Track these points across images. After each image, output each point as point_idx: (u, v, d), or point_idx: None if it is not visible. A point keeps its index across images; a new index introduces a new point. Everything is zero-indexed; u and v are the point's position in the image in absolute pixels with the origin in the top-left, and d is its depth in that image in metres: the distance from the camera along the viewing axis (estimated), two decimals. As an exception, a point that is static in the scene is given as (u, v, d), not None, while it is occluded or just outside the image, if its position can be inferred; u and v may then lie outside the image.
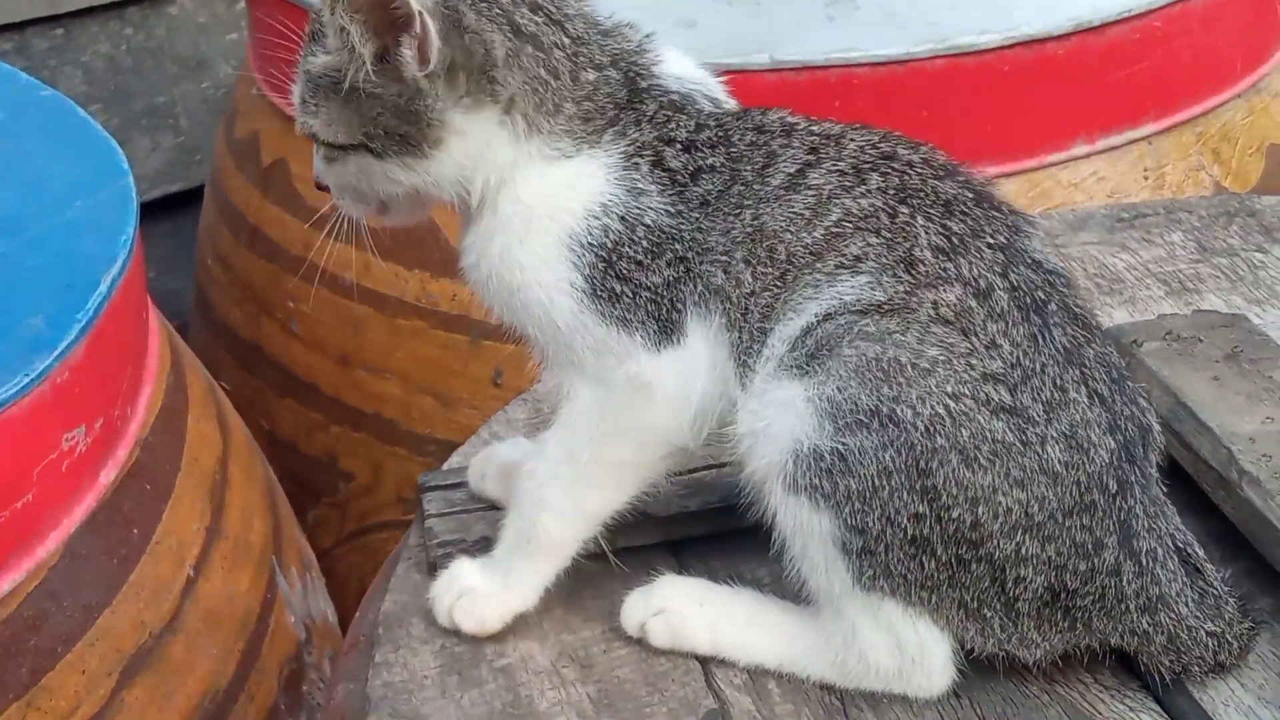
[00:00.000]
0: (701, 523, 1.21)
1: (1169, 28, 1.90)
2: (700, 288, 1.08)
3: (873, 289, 1.05)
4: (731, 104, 1.16)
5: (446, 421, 1.92)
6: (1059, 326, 1.06)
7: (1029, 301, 1.06)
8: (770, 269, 1.07)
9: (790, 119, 1.13)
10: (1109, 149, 1.93)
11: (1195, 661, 1.08)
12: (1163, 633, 1.07)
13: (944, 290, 1.05)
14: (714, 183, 1.09)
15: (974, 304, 1.04)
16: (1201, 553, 1.12)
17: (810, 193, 1.08)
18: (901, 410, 1.02)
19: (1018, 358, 1.04)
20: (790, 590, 1.10)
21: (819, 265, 1.06)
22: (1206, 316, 1.36)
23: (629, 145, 1.10)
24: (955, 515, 1.03)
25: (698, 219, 1.09)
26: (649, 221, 1.08)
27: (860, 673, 1.09)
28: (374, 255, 1.85)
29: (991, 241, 1.07)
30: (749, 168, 1.09)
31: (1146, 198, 1.90)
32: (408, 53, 1.06)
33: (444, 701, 1.09)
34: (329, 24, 1.07)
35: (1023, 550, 1.04)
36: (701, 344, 1.09)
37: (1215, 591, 1.11)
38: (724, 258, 1.08)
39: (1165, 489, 1.11)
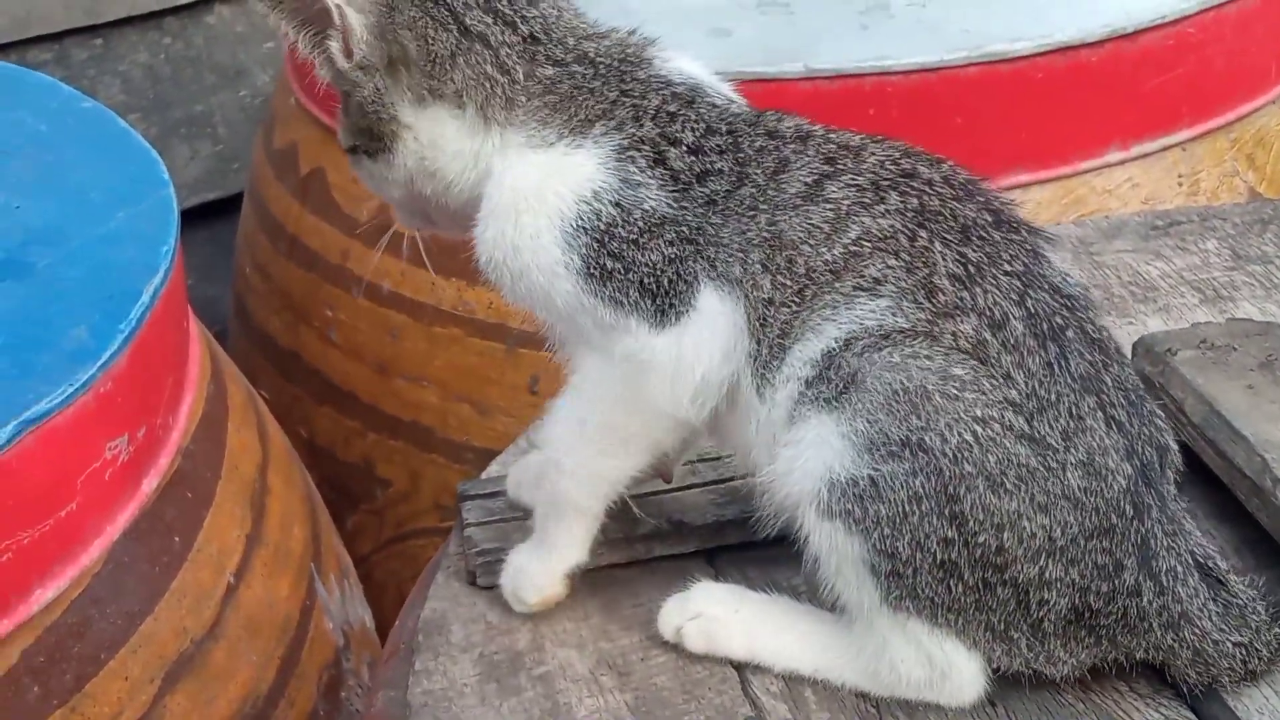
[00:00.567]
0: (737, 531, 1.22)
1: (1203, 34, 1.91)
2: (717, 272, 1.09)
3: (894, 314, 1.05)
4: (742, 102, 1.17)
5: (483, 429, 1.93)
6: (1076, 353, 1.07)
7: (1046, 329, 1.06)
8: (789, 281, 1.08)
9: (807, 126, 1.14)
10: (1143, 155, 1.93)
11: (1224, 673, 1.09)
12: (1187, 648, 1.08)
13: (961, 321, 1.05)
14: (720, 185, 1.10)
15: (989, 336, 1.05)
16: (1224, 564, 1.12)
17: (828, 206, 1.08)
18: (930, 438, 1.03)
19: (1033, 388, 1.05)
20: (825, 599, 1.11)
21: (837, 284, 1.07)
22: (1241, 325, 1.36)
23: (624, 139, 1.11)
24: (981, 540, 1.04)
25: (704, 214, 1.09)
26: (647, 207, 1.09)
27: (893, 682, 1.10)
28: (428, 268, 1.86)
29: (1009, 269, 1.07)
30: (759, 171, 1.10)
31: (1181, 204, 1.90)
32: (334, 45, 1.11)
33: (483, 709, 1.11)
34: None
35: (1046, 574, 1.05)
36: (715, 324, 1.09)
37: (1240, 602, 1.11)
38: (740, 254, 1.09)
39: (1184, 504, 1.12)
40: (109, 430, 1.42)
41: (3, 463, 1.29)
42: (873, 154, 1.11)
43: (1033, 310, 1.06)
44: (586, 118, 1.12)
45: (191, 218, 2.68)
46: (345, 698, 1.67)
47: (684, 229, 1.09)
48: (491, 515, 1.23)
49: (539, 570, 1.17)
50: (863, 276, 1.06)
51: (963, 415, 1.03)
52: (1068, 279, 1.10)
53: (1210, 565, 1.11)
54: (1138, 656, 1.09)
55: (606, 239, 1.09)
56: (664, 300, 1.09)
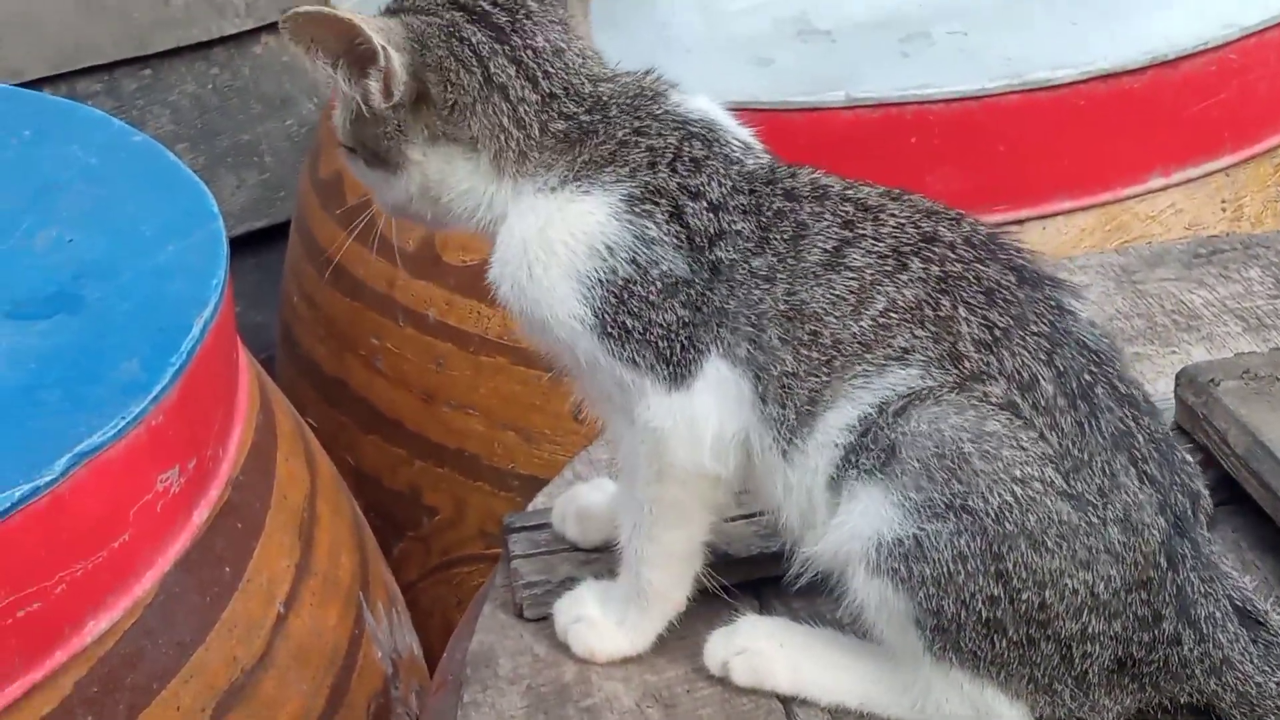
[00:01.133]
0: (782, 563, 1.22)
1: (1245, 59, 1.91)
2: (723, 348, 1.09)
3: (924, 380, 1.06)
4: (758, 147, 1.16)
5: (529, 456, 1.95)
6: (1106, 411, 1.07)
7: (1075, 387, 1.06)
8: (815, 353, 1.07)
9: (823, 181, 1.12)
10: (1186, 181, 1.93)
11: (1270, 713, 1.09)
12: (1231, 691, 1.08)
13: (990, 384, 1.05)
14: (735, 250, 1.09)
15: (1018, 398, 1.05)
16: (1263, 605, 1.12)
17: (851, 276, 1.08)
18: (973, 500, 1.04)
19: (1066, 448, 1.05)
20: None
21: (868, 356, 1.06)
22: (1284, 354, 1.36)
23: (637, 186, 1.10)
24: (1025, 598, 1.04)
25: (709, 280, 1.08)
26: (665, 268, 1.08)
27: (938, 718, 1.11)
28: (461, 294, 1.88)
29: (1036, 329, 1.07)
30: (779, 237, 1.09)
31: (1225, 229, 1.90)
32: (374, 85, 1.12)
33: (531, 741, 1.12)
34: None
35: (1089, 629, 1.05)
36: (723, 389, 1.10)
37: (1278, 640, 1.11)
38: (750, 329, 1.08)
39: (1216, 546, 1.12)
40: (161, 462, 1.43)
41: (56, 496, 1.31)
42: (892, 215, 1.10)
43: (1062, 369, 1.06)
44: (593, 159, 1.11)
45: (239, 246, 2.70)
46: (393, 725, 1.68)
47: (693, 290, 1.09)
48: (538, 547, 1.24)
49: (603, 639, 1.18)
50: (891, 347, 1.06)
51: (1002, 475, 1.04)
52: (1094, 333, 1.10)
53: (1249, 608, 1.11)
54: (1182, 701, 1.09)
55: (625, 296, 1.08)
56: (677, 362, 1.09)
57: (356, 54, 1.11)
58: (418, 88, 1.12)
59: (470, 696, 1.14)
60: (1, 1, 2.90)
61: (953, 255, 1.08)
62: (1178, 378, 1.32)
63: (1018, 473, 1.04)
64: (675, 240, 1.09)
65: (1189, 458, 1.12)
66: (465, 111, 1.12)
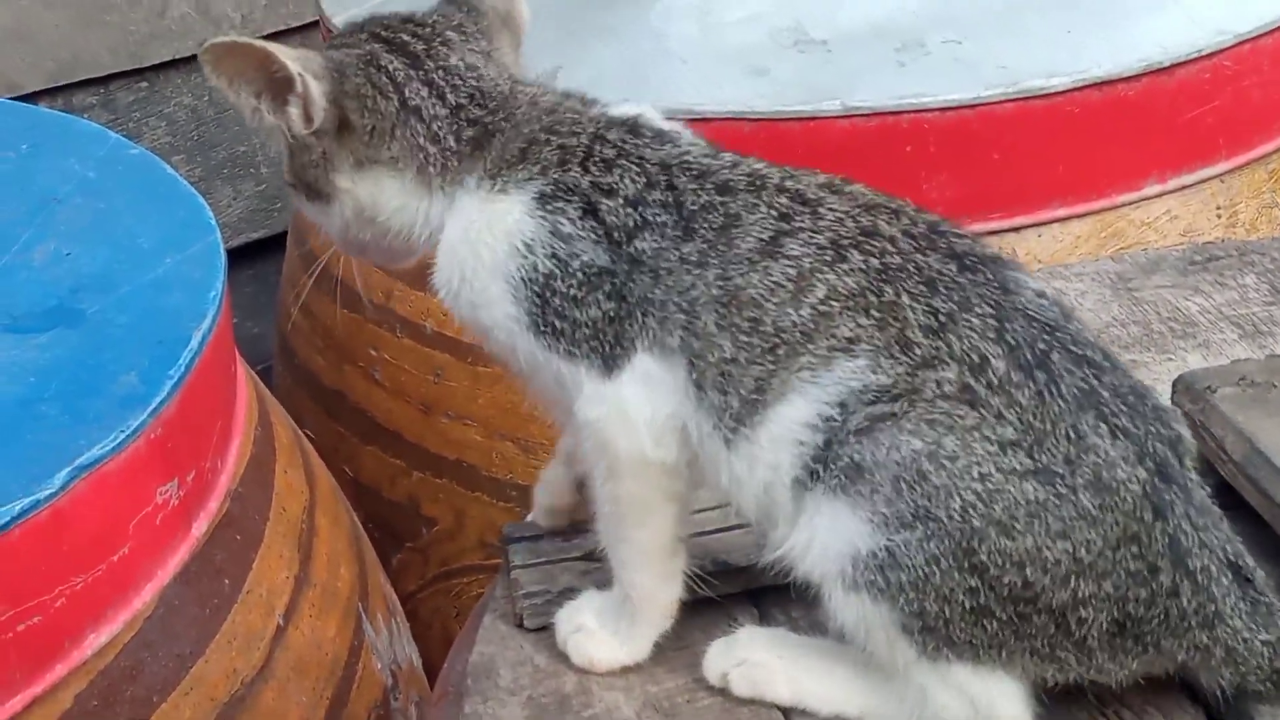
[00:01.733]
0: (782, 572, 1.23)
1: (1239, 66, 1.91)
2: (651, 338, 1.10)
3: (874, 372, 1.06)
4: (700, 145, 1.17)
5: (527, 467, 1.95)
6: (1065, 374, 1.07)
7: (1030, 358, 1.06)
8: (756, 340, 1.08)
9: (762, 172, 1.13)
10: (1181, 188, 1.94)
11: (1253, 671, 1.09)
12: (1220, 645, 1.08)
13: (941, 370, 1.05)
14: (660, 240, 1.10)
15: (971, 380, 1.05)
16: (1251, 562, 1.11)
17: (789, 264, 1.08)
18: (935, 508, 1.04)
19: (1028, 422, 1.05)
20: None
21: (811, 346, 1.07)
22: (1280, 360, 1.36)
23: (548, 184, 1.12)
24: (1006, 580, 1.05)
25: (629, 271, 1.10)
26: (584, 259, 1.10)
27: None
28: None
29: (980, 310, 1.07)
30: (706, 227, 1.10)
31: (1220, 235, 1.91)
32: (294, 111, 1.17)
33: (531, 751, 1.12)
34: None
35: (1080, 593, 1.05)
36: (646, 381, 1.11)
37: (1267, 601, 1.11)
38: (683, 316, 1.09)
39: (1208, 490, 1.11)
40: (160, 475, 1.43)
41: (56, 509, 1.31)
42: (831, 209, 1.11)
43: (1013, 343, 1.06)
44: (503, 156, 1.15)
45: (235, 257, 2.71)
46: (393, 736, 1.68)
47: (615, 281, 1.10)
48: (538, 558, 1.25)
49: (601, 649, 1.19)
50: (835, 337, 1.07)
51: (960, 480, 1.04)
52: (1040, 303, 1.10)
53: (1239, 563, 1.10)
54: (1178, 659, 1.09)
55: (550, 292, 1.10)
56: (607, 353, 1.11)
57: (275, 82, 1.16)
58: (339, 115, 1.17)
59: (471, 707, 1.14)
60: (-2, 15, 2.91)
61: (892, 248, 1.09)
62: (1174, 385, 1.32)
63: (975, 473, 1.04)
64: (593, 236, 1.10)
65: (1163, 403, 1.11)
66: (385, 135, 1.17)
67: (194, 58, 2.87)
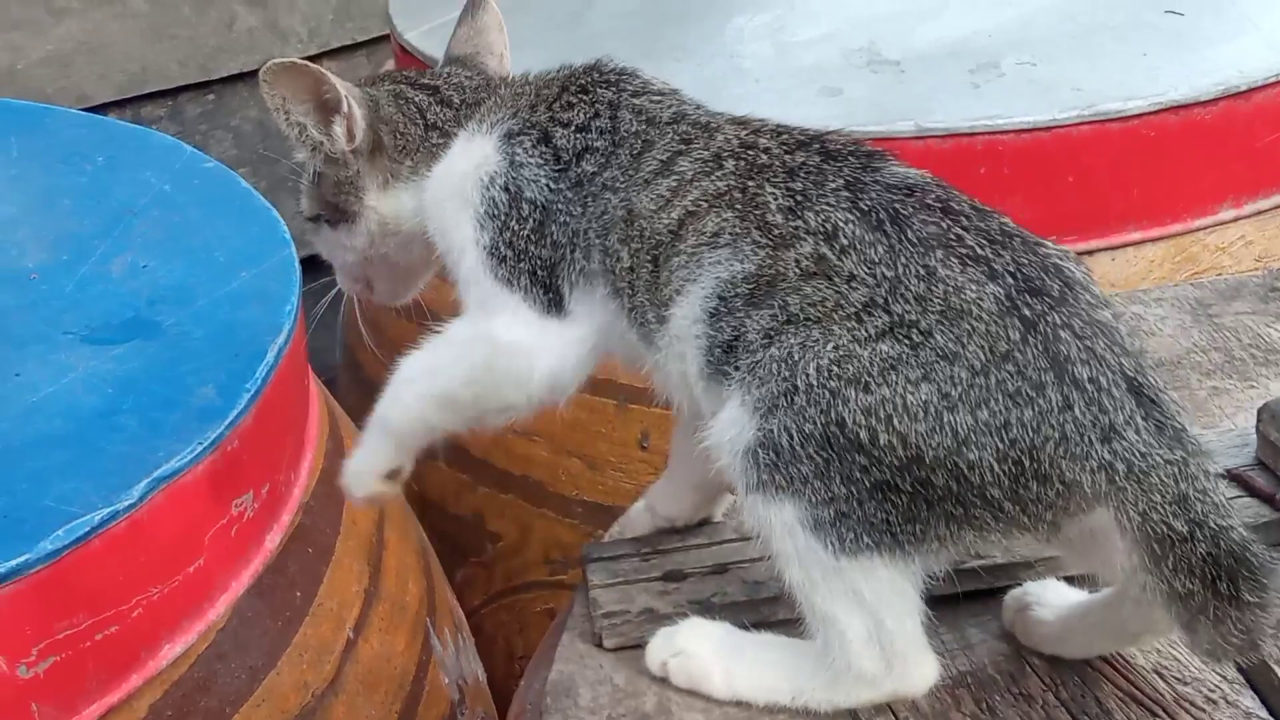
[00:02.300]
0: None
1: (1317, 91, 1.90)
2: (577, 271, 1.20)
3: (740, 261, 1.11)
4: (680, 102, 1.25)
5: (593, 484, 1.95)
6: (919, 223, 1.09)
7: (883, 217, 1.09)
8: (643, 247, 1.16)
9: (685, 111, 1.22)
10: (1257, 213, 1.92)
11: (1157, 490, 1.04)
12: (1122, 461, 1.04)
13: (799, 246, 1.10)
14: (593, 164, 1.20)
15: (826, 250, 1.09)
16: (1159, 382, 1.08)
17: (675, 179, 1.16)
18: (798, 380, 1.06)
19: (879, 275, 1.07)
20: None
21: (682, 245, 1.13)
22: (1364, 388, 1.35)
23: (517, 124, 1.24)
24: (884, 442, 1.05)
25: (570, 198, 1.20)
26: (529, 196, 1.21)
27: (852, 684, 1.11)
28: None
29: (835, 184, 1.12)
30: (626, 153, 1.20)
31: (1295, 261, 1.90)
32: (339, 130, 1.29)
33: (611, 772, 1.11)
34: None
35: (959, 430, 1.04)
36: (585, 318, 1.21)
37: (1175, 424, 1.07)
38: (599, 240, 1.18)
39: (1113, 310, 1.09)
40: (235, 487, 1.44)
41: (134, 520, 1.32)
42: (724, 133, 1.18)
43: (867, 208, 1.10)
44: (489, 110, 1.27)
45: (301, 269, 2.73)
46: (459, 752, 1.68)
47: (555, 227, 1.20)
48: (616, 577, 1.24)
49: (364, 470, 1.32)
50: (702, 233, 1.13)
51: (815, 353, 1.06)
52: (908, 174, 1.13)
53: (1143, 382, 1.07)
54: (1088, 491, 1.05)
55: (501, 225, 1.21)
56: (552, 294, 1.20)
57: (323, 102, 1.29)
58: (374, 138, 1.30)
59: (551, 726, 1.14)
60: (70, 28, 2.93)
61: (765, 155, 1.15)
62: (1260, 413, 1.31)
63: (830, 344, 1.06)
64: (540, 160, 1.21)
65: (1045, 241, 1.11)
66: (411, 152, 1.31)
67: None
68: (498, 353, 1.21)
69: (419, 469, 2.09)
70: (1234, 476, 1.28)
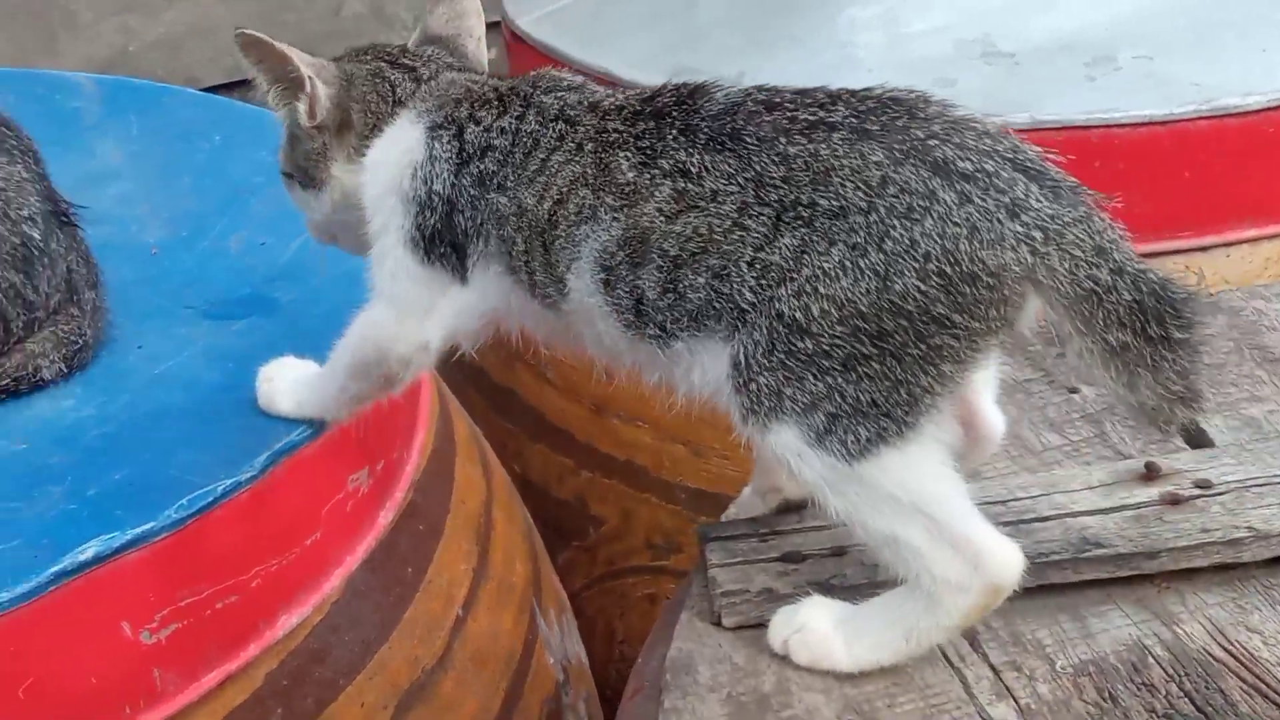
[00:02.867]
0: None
1: None
2: (479, 253, 1.24)
3: (604, 229, 1.16)
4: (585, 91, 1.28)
5: (697, 470, 1.95)
6: (753, 129, 1.13)
7: (722, 139, 1.14)
8: (531, 234, 1.21)
9: (570, 111, 1.24)
10: (1375, 210, 1.89)
11: (1075, 245, 1.07)
12: (1037, 229, 1.06)
13: (656, 195, 1.15)
14: (493, 163, 1.24)
15: (684, 184, 1.14)
16: (1035, 153, 1.11)
17: (548, 173, 1.21)
18: (738, 306, 1.11)
19: (741, 181, 1.12)
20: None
21: (556, 230, 1.19)
22: None
23: (441, 116, 1.28)
24: (818, 312, 1.08)
25: (472, 195, 1.24)
26: (437, 189, 1.25)
27: (946, 594, 1.11)
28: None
29: (672, 134, 1.16)
30: (520, 152, 1.23)
31: None
32: (301, 106, 1.33)
33: (729, 749, 1.12)
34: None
35: (876, 269, 1.07)
36: (477, 291, 1.26)
37: (1068, 184, 1.09)
38: (496, 229, 1.23)
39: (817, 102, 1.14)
40: (351, 463, 1.46)
41: (255, 492, 1.34)
42: (584, 122, 1.22)
43: (705, 139, 1.15)
44: (425, 97, 1.31)
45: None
46: (563, 732, 1.69)
47: (460, 218, 1.24)
48: (734, 557, 1.25)
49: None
50: (569, 216, 1.19)
51: (733, 283, 1.12)
52: (729, 96, 1.17)
53: (1026, 160, 1.09)
54: (1019, 269, 1.06)
55: (418, 215, 1.26)
56: (457, 269, 1.25)
57: (289, 80, 1.32)
58: (342, 115, 1.33)
59: (671, 703, 1.14)
60: (181, 12, 2.97)
61: (615, 134, 1.20)
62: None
63: (719, 249, 1.12)
64: (450, 154, 1.25)
65: (861, 91, 1.15)
66: (378, 132, 1.32)
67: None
68: (399, 309, 1.29)
69: (521, 451, 2.12)
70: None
